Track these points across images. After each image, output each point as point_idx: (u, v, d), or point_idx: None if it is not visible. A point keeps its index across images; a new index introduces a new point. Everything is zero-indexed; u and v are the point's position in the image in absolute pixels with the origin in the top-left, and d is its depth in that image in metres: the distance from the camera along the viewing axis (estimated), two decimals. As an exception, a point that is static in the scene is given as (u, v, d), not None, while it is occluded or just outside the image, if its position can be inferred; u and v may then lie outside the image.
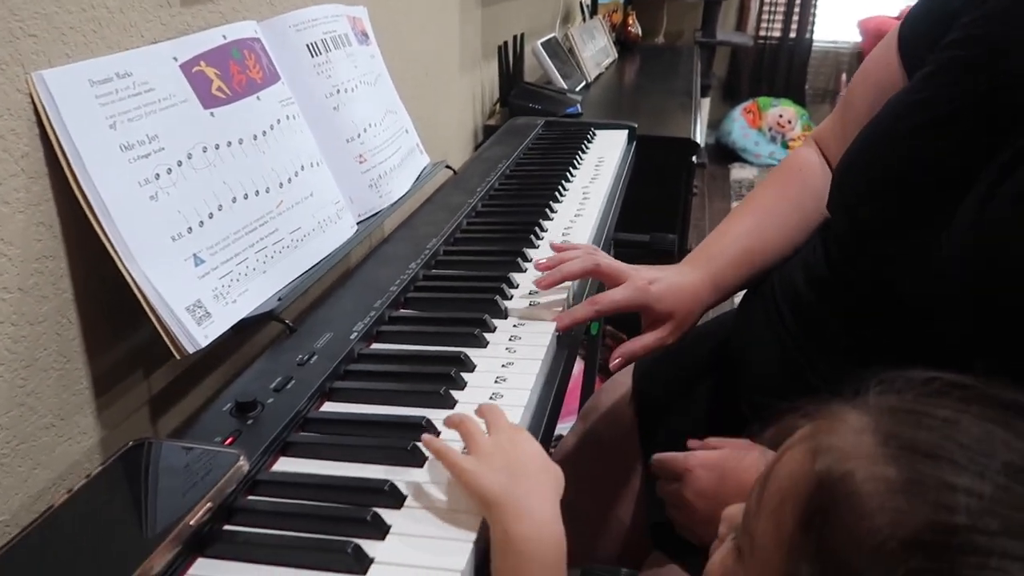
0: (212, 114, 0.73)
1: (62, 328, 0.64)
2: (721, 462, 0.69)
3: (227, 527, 0.50)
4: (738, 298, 0.87)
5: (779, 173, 0.88)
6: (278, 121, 0.81)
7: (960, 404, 0.37)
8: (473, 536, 0.48)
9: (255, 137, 0.78)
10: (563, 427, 1.06)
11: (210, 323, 0.68)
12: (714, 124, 4.16)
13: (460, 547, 0.47)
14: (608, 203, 1.10)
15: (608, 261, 0.78)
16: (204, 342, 0.66)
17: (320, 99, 0.90)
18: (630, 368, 0.98)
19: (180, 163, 0.69)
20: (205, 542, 0.48)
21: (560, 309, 0.77)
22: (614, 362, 0.76)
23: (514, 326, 0.74)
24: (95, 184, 0.62)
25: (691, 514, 0.69)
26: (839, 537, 0.34)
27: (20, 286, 0.60)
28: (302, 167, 0.83)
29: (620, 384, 0.97)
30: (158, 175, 0.67)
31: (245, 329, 0.71)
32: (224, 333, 0.68)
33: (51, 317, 0.63)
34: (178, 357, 0.65)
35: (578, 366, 1.62)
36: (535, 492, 0.51)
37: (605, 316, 0.76)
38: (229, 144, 0.75)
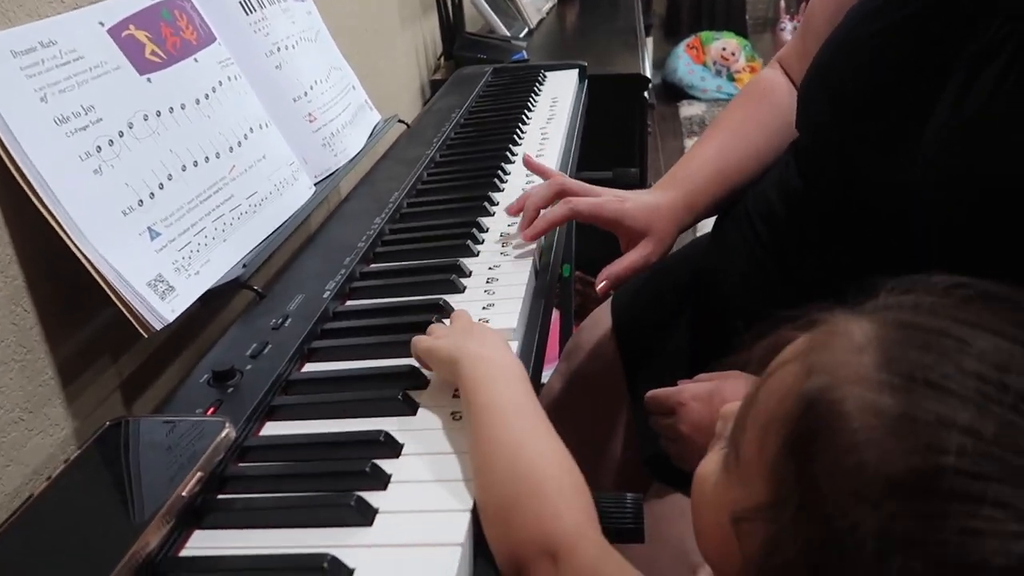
0: (149, 80, 0.70)
1: (17, 317, 0.61)
2: (713, 392, 0.69)
3: (221, 496, 0.48)
4: (706, 226, 0.87)
5: (744, 95, 0.88)
6: (219, 83, 0.77)
7: (981, 319, 0.33)
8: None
9: (197, 101, 0.74)
10: (546, 373, 1.06)
11: (174, 297, 0.65)
12: (658, 63, 4.14)
13: (464, 487, 0.46)
14: (568, 141, 1.09)
15: (578, 183, 0.78)
16: (171, 316, 0.63)
17: (261, 58, 0.86)
18: (607, 304, 0.97)
19: (121, 133, 0.66)
20: (200, 514, 0.46)
21: (533, 248, 0.75)
22: (600, 285, 0.75)
23: (489, 269, 0.72)
24: (32, 162, 0.58)
25: (687, 446, 0.69)
26: (823, 468, 0.31)
27: (-35, 278, 0.56)
28: (251, 129, 0.79)
29: (600, 320, 0.96)
30: (99, 147, 0.63)
31: (213, 300, 0.68)
32: (192, 306, 0.66)
33: (4, 307, 0.59)
34: (145, 335, 0.62)
35: (554, 315, 1.62)
36: (489, 342, 0.54)
37: (580, 218, 0.75)
38: (171, 110, 0.71)
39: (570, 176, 1.04)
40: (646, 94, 1.62)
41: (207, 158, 0.73)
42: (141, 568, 0.41)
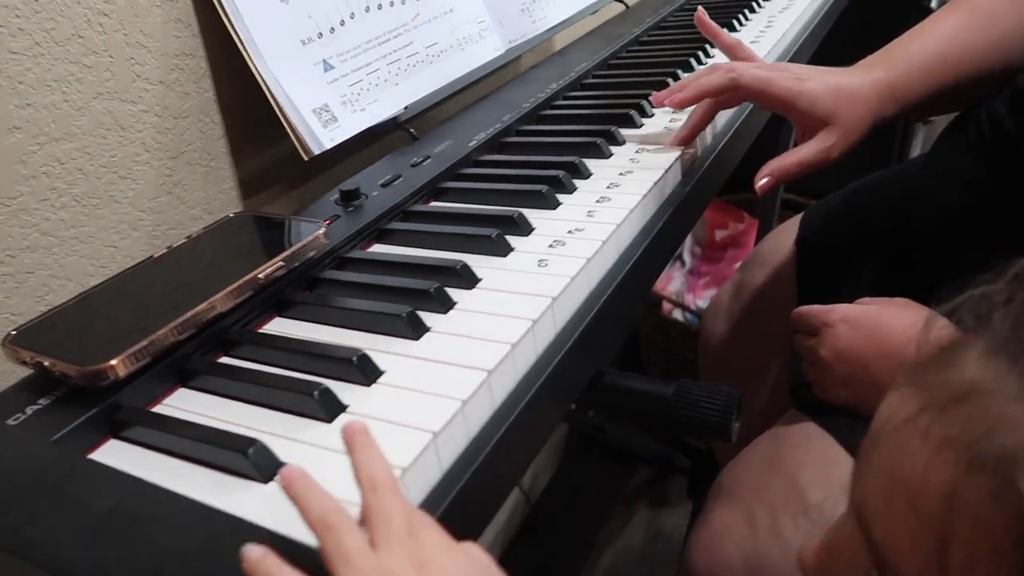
0: (345, -81, 0.72)
1: (205, 127, 0.68)
2: (868, 319, 0.59)
3: (304, 292, 0.51)
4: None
5: None
6: (418, -70, 0.79)
7: None
8: (535, 317, 0.45)
9: (392, -54, 0.76)
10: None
11: (336, 127, 0.69)
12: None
13: (519, 324, 0.44)
14: (798, 34, 0.96)
15: (752, 72, 0.63)
16: (329, 144, 0.68)
17: (469, -88, 0.86)
18: (798, 217, 0.87)
19: (312, -33, 0.69)
20: (284, 304, 0.50)
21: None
22: (760, 181, 0.63)
23: (636, 152, 0.67)
24: (224, -19, 0.64)
25: (827, 375, 0.61)
26: None
27: (162, 79, 0.64)
28: (442, -19, 0.80)
29: (786, 232, 0.87)
30: (289, -22, 0.68)
31: (373, 137, 0.71)
32: (353, 138, 0.69)
33: (194, 114, 0.67)
34: (305, 158, 0.67)
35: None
36: None
37: (746, 89, 0.63)
38: (364, -49, 0.73)
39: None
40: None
41: (392, 2, 0.75)
42: (213, 332, 0.46)
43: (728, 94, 0.63)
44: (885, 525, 0.28)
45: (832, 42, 1.10)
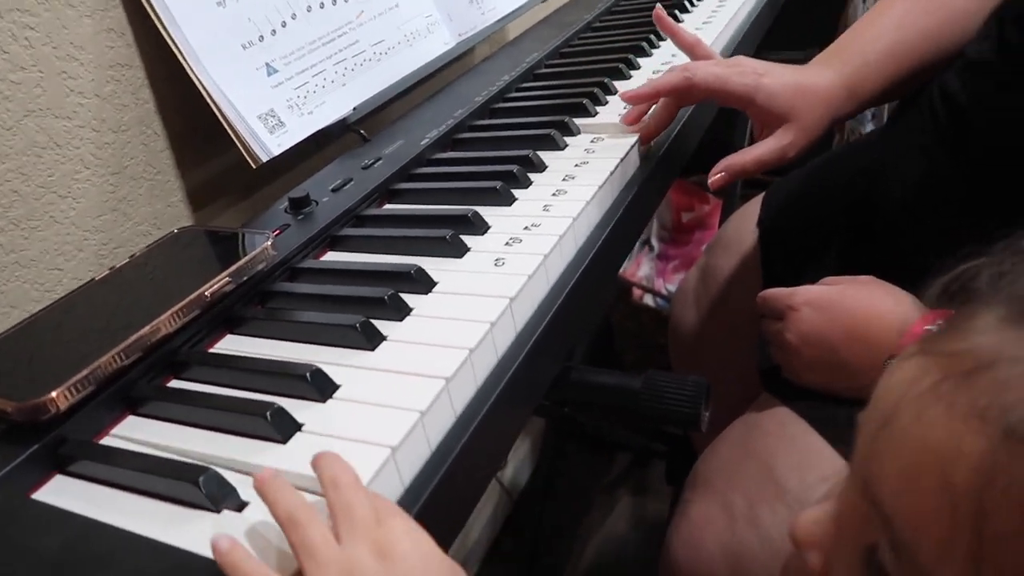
0: (282, -83, 0.70)
1: (147, 139, 0.66)
2: (832, 301, 0.58)
3: (258, 307, 0.49)
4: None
5: None
6: (357, -74, 0.77)
7: None
8: (493, 319, 0.44)
9: (330, -57, 0.74)
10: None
11: (284, 132, 0.67)
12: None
13: (478, 327, 0.43)
14: (749, 14, 0.96)
15: (707, 70, 0.62)
16: (277, 150, 0.66)
17: (410, -95, 0.84)
18: (760, 198, 0.87)
19: (249, -31, 0.67)
20: (235, 320, 0.48)
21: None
22: (714, 177, 0.62)
23: (591, 141, 0.66)
24: (156, -13, 0.62)
25: (795, 358, 0.60)
26: None
27: (97, 92, 0.62)
28: (386, -24, 0.78)
29: (748, 215, 0.86)
30: (225, -20, 0.66)
31: (323, 140, 0.69)
32: (302, 143, 0.67)
33: (134, 127, 0.65)
34: (253, 166, 0.65)
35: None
36: None
37: (699, 90, 0.62)
38: (302, -50, 0.71)
39: (752, 55, 0.92)
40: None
41: (335, 1, 0.73)
42: (162, 355, 0.44)
43: (685, 92, 0.62)
44: (906, 500, 0.27)
45: (784, 22, 1.11)
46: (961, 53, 0.63)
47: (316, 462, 0.35)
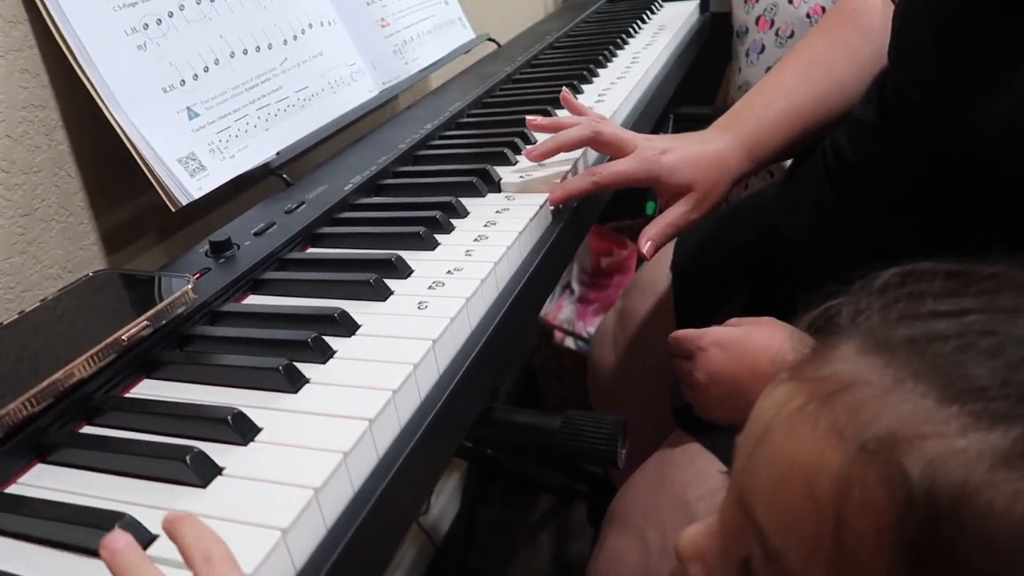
0: (206, -35, 0.71)
1: (61, 181, 0.65)
2: (737, 341, 0.62)
3: (174, 351, 0.49)
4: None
5: (830, 17, 0.77)
6: (282, -24, 0.78)
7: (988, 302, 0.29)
8: (416, 360, 0.45)
9: (255, -9, 0.75)
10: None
11: (204, 176, 0.67)
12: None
13: (402, 369, 0.44)
14: (662, 70, 1.02)
15: (612, 129, 0.68)
16: (197, 194, 0.65)
17: (334, -42, 0.86)
18: (671, 246, 0.91)
19: (171, 14, 0.68)
20: (153, 365, 0.48)
21: (560, 180, 0.70)
22: (645, 247, 0.66)
23: (520, 176, 0.69)
24: (75, 30, 0.61)
25: (703, 396, 0.63)
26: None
27: (7, 133, 0.60)
28: (310, 25, 0.80)
29: (662, 259, 0.90)
30: (146, 25, 0.66)
31: (245, 184, 0.69)
32: (224, 187, 0.67)
33: (48, 168, 0.64)
34: (172, 209, 0.65)
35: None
36: None
37: (607, 189, 0.67)
38: (226, -3, 0.72)
39: (656, 109, 0.98)
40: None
41: (258, 48, 0.74)
42: (74, 401, 0.43)
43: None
44: (776, 508, 0.30)
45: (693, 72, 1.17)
46: (849, 114, 0.68)
47: (181, 539, 0.32)
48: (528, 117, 0.71)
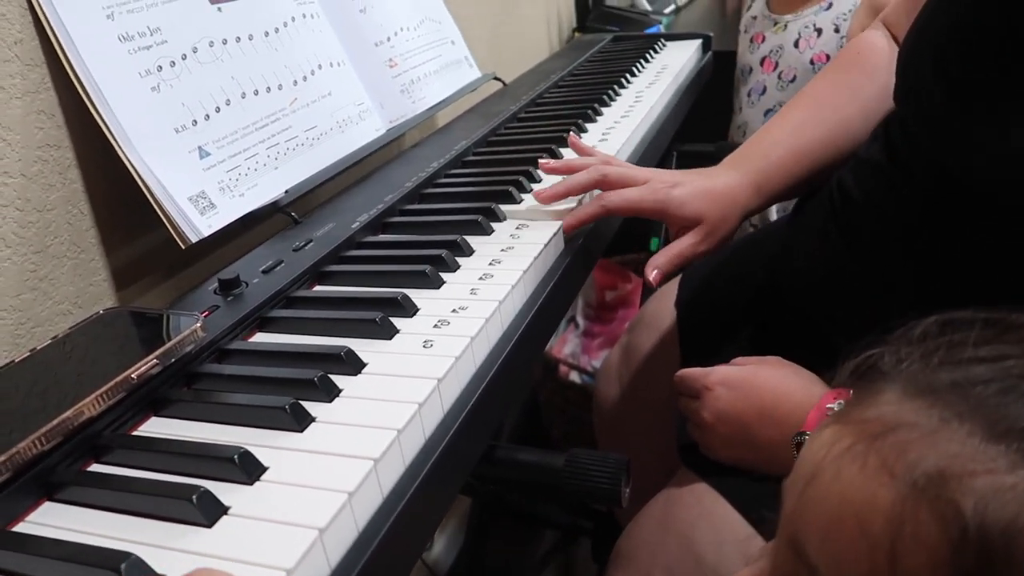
0: (219, 9, 0.73)
1: (73, 218, 0.66)
2: (744, 380, 0.62)
3: (183, 389, 0.49)
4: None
5: (837, 60, 0.79)
6: (292, 19, 0.80)
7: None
8: (421, 400, 0.45)
9: (266, 34, 0.77)
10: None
11: (214, 214, 0.68)
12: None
13: (407, 408, 0.44)
14: (665, 108, 1.03)
15: (620, 170, 0.69)
16: (207, 231, 0.66)
17: (344, 1, 0.88)
18: (676, 281, 0.91)
19: (184, 56, 0.69)
20: (162, 402, 0.48)
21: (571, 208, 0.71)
22: (652, 275, 0.67)
23: (517, 227, 0.69)
24: (91, 73, 0.63)
25: (710, 435, 0.63)
26: None
27: (23, 172, 0.62)
28: (319, 66, 0.81)
29: (667, 294, 0.91)
30: (160, 67, 0.67)
31: (253, 222, 0.70)
32: (232, 225, 0.68)
33: (61, 206, 0.65)
34: (182, 246, 0.66)
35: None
36: None
37: (616, 214, 0.69)
38: (238, 40, 0.74)
39: (659, 145, 0.99)
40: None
41: (268, 88, 0.76)
42: (83, 439, 0.43)
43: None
44: (829, 547, 0.30)
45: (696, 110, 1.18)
46: (855, 153, 0.70)
47: None
48: (540, 160, 0.72)
